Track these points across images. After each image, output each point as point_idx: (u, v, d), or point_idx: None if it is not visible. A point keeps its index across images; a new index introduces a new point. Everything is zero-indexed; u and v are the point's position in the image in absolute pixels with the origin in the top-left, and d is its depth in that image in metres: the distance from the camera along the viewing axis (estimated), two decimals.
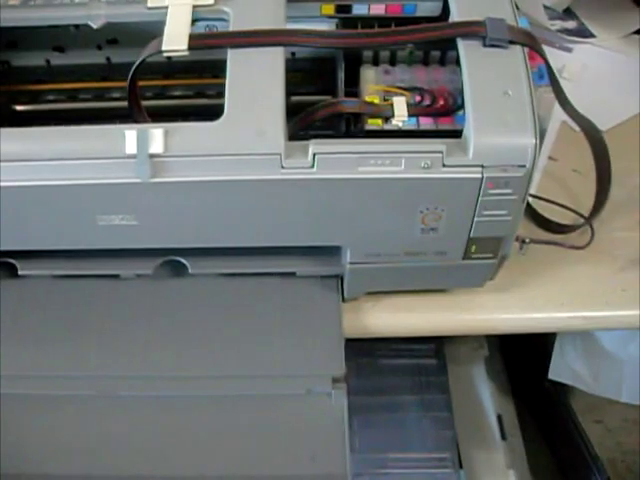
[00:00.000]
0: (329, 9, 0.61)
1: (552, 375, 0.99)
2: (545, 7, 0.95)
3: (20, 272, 0.65)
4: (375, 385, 0.94)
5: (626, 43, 0.96)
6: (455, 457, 0.88)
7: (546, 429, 1.10)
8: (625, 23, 0.96)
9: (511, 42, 0.56)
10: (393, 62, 0.62)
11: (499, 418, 0.98)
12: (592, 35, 0.96)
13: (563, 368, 0.99)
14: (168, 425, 0.61)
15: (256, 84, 0.55)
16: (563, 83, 0.62)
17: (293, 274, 0.65)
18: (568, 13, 0.98)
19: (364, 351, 0.95)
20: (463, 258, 0.62)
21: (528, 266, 0.70)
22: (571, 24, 0.97)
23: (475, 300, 0.69)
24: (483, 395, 1.00)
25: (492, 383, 1.02)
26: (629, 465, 1.12)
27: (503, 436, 0.96)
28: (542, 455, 1.08)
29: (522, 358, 1.06)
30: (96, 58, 0.67)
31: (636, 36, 0.96)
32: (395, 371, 0.97)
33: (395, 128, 0.57)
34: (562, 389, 1.04)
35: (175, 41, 0.56)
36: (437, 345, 0.99)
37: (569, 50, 0.93)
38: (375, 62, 0.61)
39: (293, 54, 0.65)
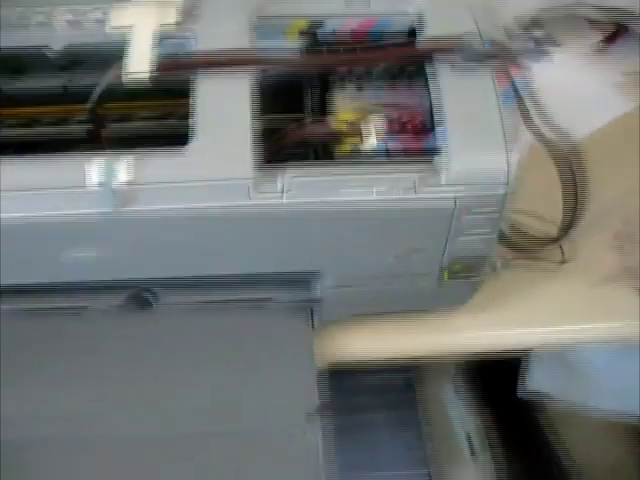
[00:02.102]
0: (295, 30, 0.60)
1: (521, 389, 0.99)
2: (504, 25, 0.95)
3: None
4: (344, 404, 0.92)
5: (586, 58, 0.96)
6: (428, 474, 0.87)
7: (518, 442, 1.10)
8: (584, 40, 0.97)
9: (480, 63, 0.56)
10: (361, 84, 0.60)
11: (468, 435, 0.98)
12: (553, 50, 0.96)
13: (532, 382, 0.99)
14: (132, 465, 0.58)
15: (224, 108, 0.54)
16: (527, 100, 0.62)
17: (263, 305, 0.64)
18: (528, 31, 0.98)
19: (330, 370, 0.94)
20: (441, 280, 0.61)
21: (503, 286, 0.70)
22: (531, 41, 0.97)
23: (452, 322, 0.68)
24: (452, 411, 1.00)
25: (460, 400, 1.01)
26: (603, 470, 1.12)
27: (473, 453, 0.96)
28: (514, 469, 1.07)
29: (490, 371, 1.06)
30: (55, 82, 0.64)
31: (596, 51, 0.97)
32: (363, 389, 0.96)
33: (366, 152, 0.56)
34: (534, 401, 1.04)
35: (139, 65, 0.54)
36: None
37: (530, 67, 0.94)
38: (343, 84, 0.60)
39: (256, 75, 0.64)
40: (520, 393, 0.98)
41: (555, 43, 0.95)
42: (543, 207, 0.74)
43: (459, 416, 0.99)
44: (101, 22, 0.57)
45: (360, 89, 0.60)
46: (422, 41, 0.58)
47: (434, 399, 0.99)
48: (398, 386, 0.97)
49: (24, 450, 0.58)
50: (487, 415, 1.03)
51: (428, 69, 0.57)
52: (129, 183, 0.52)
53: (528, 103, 0.60)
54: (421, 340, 0.68)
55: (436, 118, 0.55)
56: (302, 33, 0.59)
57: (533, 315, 0.69)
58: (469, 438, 0.97)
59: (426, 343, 0.69)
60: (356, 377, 0.95)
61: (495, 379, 1.05)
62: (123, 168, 0.52)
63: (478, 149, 0.54)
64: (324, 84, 0.60)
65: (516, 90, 0.60)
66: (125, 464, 0.58)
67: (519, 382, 0.98)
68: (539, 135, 0.64)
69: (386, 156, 0.56)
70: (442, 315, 0.68)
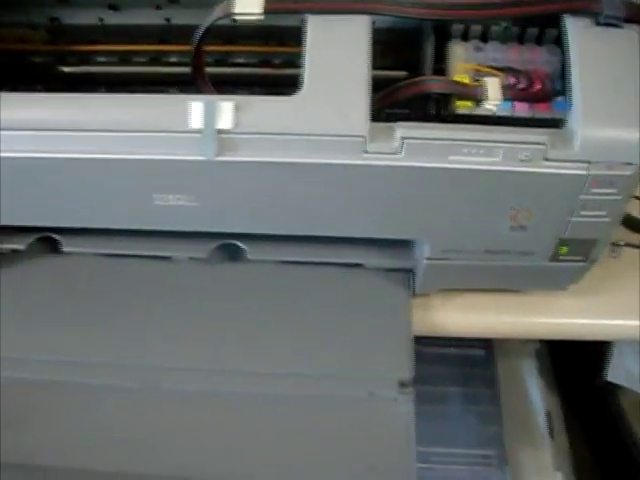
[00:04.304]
0: None
1: (610, 377, 0.94)
2: None
3: (64, 249, 0.61)
4: (420, 374, 0.90)
5: None
6: (501, 455, 0.84)
7: (592, 428, 1.06)
8: None
9: (627, 21, 0.50)
10: (485, 38, 0.55)
11: (548, 416, 0.94)
12: None
13: (621, 371, 0.94)
14: (212, 423, 0.56)
15: (338, 56, 0.50)
16: None
17: (360, 265, 0.60)
18: None
19: None
20: (550, 260, 0.57)
21: (614, 270, 0.65)
22: None
23: (553, 303, 0.64)
24: (532, 390, 0.96)
25: (541, 378, 0.97)
26: None
27: (551, 434, 0.92)
28: (585, 455, 1.04)
29: (571, 353, 1.01)
30: (154, 18, 0.61)
31: None
32: (441, 360, 0.93)
33: (488, 113, 0.51)
34: (612, 388, 0.99)
35: (248, 3, 0.50)
36: None
37: None
38: (465, 37, 0.55)
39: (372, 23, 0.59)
40: (600, 379, 0.94)
41: None
42: None
43: (539, 394, 0.95)
44: None
45: (482, 43, 0.54)
46: None
47: (513, 374, 0.96)
48: (477, 359, 0.93)
49: (110, 397, 0.57)
50: (563, 394, 0.99)
51: (564, 27, 0.51)
52: (232, 130, 0.48)
53: None
54: (517, 320, 0.64)
55: (572, 82, 0.49)
56: None
57: (633, 306, 0.64)
58: (549, 418, 0.93)
59: (523, 323, 0.65)
60: (433, 347, 0.92)
61: (575, 357, 1.01)
62: (227, 113, 0.48)
63: (616, 119, 0.49)
64: (442, 35, 0.55)
65: None
66: (193, 420, 0.57)
67: (601, 368, 0.93)
68: None
69: (509, 119, 0.51)
70: (543, 295, 0.64)
